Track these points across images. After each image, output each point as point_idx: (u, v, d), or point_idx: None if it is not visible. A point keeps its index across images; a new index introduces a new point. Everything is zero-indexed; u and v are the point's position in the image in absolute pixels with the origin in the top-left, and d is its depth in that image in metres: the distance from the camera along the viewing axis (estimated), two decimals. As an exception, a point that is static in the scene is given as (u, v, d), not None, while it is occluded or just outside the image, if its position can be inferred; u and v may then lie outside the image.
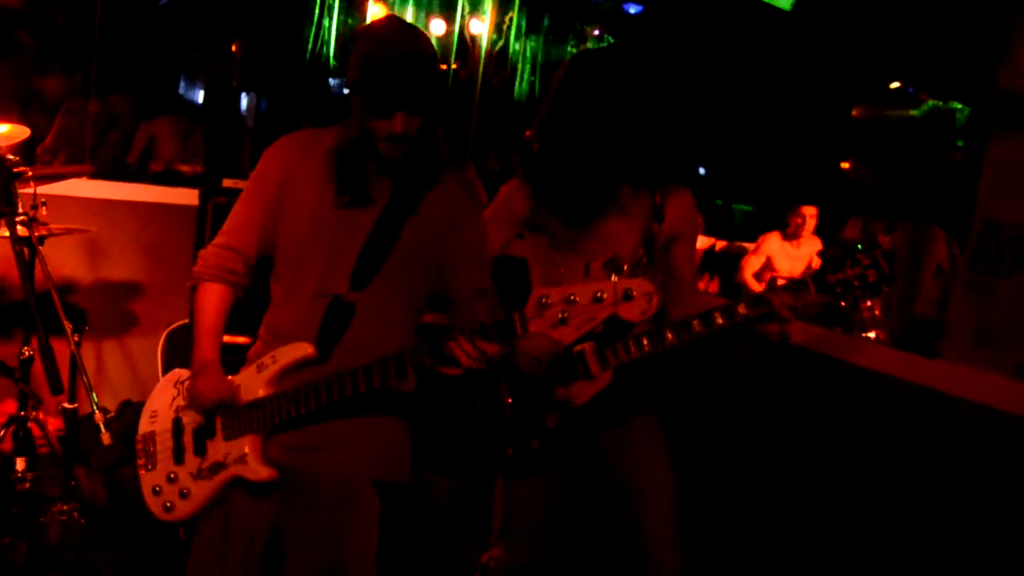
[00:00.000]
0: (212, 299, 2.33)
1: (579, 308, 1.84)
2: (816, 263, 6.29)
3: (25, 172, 3.32)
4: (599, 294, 1.83)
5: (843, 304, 2.34)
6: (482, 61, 6.88)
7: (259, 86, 7.90)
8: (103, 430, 3.10)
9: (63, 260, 4.52)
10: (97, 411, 3.14)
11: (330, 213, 2.25)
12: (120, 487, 4.00)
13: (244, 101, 8.43)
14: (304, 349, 2.21)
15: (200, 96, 8.38)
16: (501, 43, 7.01)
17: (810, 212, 6.31)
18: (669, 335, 2.37)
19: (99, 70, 5.59)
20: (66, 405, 3.58)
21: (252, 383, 2.26)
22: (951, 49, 6.33)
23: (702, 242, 7.06)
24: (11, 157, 3.46)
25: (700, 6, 6.92)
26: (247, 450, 2.23)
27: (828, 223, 6.78)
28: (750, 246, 6.77)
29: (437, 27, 7.97)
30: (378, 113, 2.14)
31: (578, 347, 2.47)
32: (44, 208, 3.49)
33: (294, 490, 2.27)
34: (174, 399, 2.40)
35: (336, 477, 2.25)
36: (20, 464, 3.51)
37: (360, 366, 2.11)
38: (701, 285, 6.82)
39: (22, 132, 3.65)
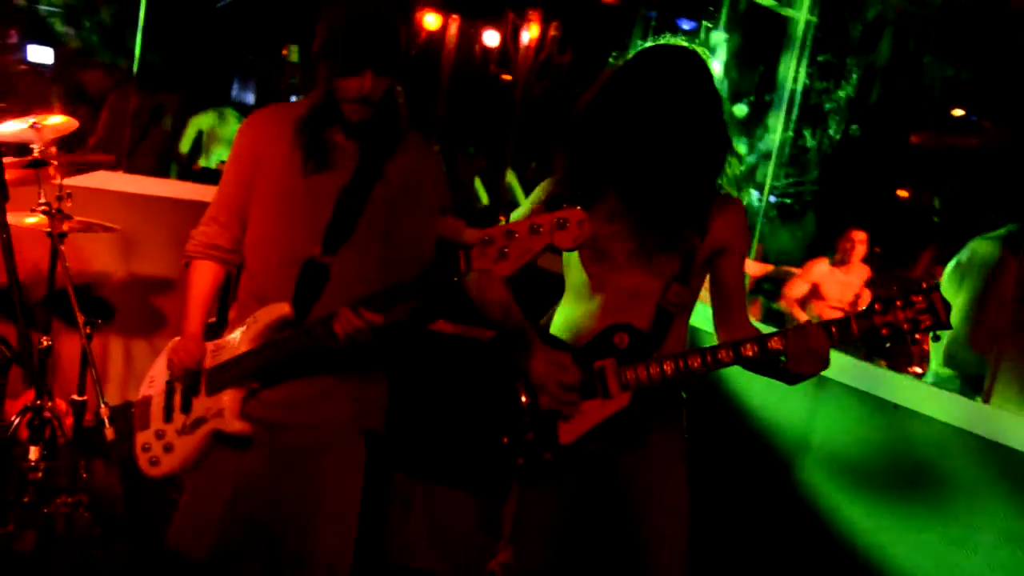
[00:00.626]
0: (200, 276, 2.45)
1: (518, 242, 1.92)
2: (865, 292, 6.09)
3: (50, 162, 3.36)
4: (536, 226, 1.91)
5: (889, 352, 2.17)
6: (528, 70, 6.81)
7: (308, 89, 7.94)
8: (107, 424, 3.10)
9: (95, 254, 4.55)
10: (103, 406, 3.14)
11: (299, 180, 2.32)
12: (137, 481, 4.01)
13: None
14: (282, 309, 2.30)
15: (252, 99, 8.47)
16: (545, 53, 6.95)
17: (859, 237, 6.12)
18: (695, 362, 2.28)
19: (153, 69, 5.65)
20: (75, 397, 3.57)
21: (236, 342, 2.37)
22: (1018, 76, 6.08)
23: (756, 268, 6.88)
24: (51, 149, 3.50)
25: (758, 24, 6.77)
26: (225, 403, 2.34)
27: (888, 252, 6.55)
28: (796, 271, 6.57)
29: (491, 38, 7.94)
30: (347, 71, 2.20)
31: (599, 363, 2.38)
32: (69, 200, 3.51)
33: (281, 443, 2.37)
34: (169, 355, 2.50)
35: (324, 424, 2.37)
36: (34, 453, 3.51)
37: (320, 317, 2.21)
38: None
39: (71, 125, 3.70)
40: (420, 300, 2.21)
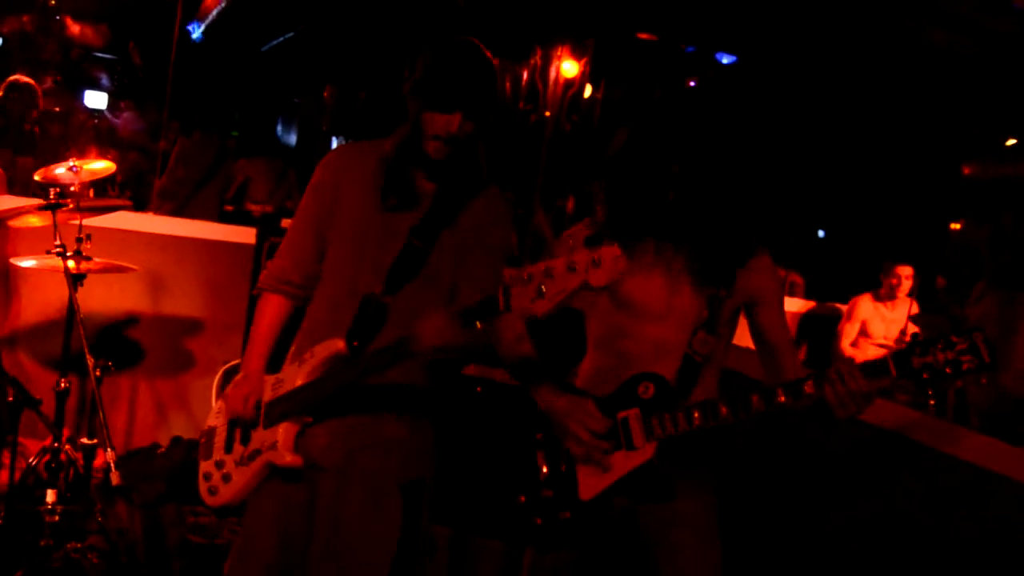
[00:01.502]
0: (268, 310, 2.46)
1: (556, 280, 1.89)
2: (910, 328, 5.87)
3: (67, 204, 3.38)
4: (572, 264, 1.88)
5: (931, 396, 2.05)
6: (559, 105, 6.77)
7: (349, 130, 8.07)
8: (112, 469, 3.06)
9: (124, 294, 4.58)
10: (109, 449, 3.10)
11: (374, 216, 2.34)
12: (158, 525, 3.98)
13: (335, 144, 8.61)
14: (336, 345, 2.29)
15: (294, 141, 8.60)
16: (574, 89, 6.92)
17: (906, 273, 5.92)
18: (724, 410, 2.19)
19: (202, 112, 5.75)
20: (84, 441, 3.56)
21: (293, 375, 2.36)
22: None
23: (799, 305, 6.70)
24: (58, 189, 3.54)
25: (797, 57, 6.64)
26: (279, 437, 2.32)
27: (934, 286, 6.33)
28: (842, 307, 6.38)
29: (570, 68, 7.87)
30: (437, 107, 2.22)
31: (623, 413, 2.32)
32: (89, 242, 3.53)
33: (325, 486, 2.33)
34: (227, 392, 2.49)
35: (360, 477, 2.32)
36: (51, 496, 3.50)
37: (371, 351, 2.21)
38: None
39: (109, 168, 3.79)
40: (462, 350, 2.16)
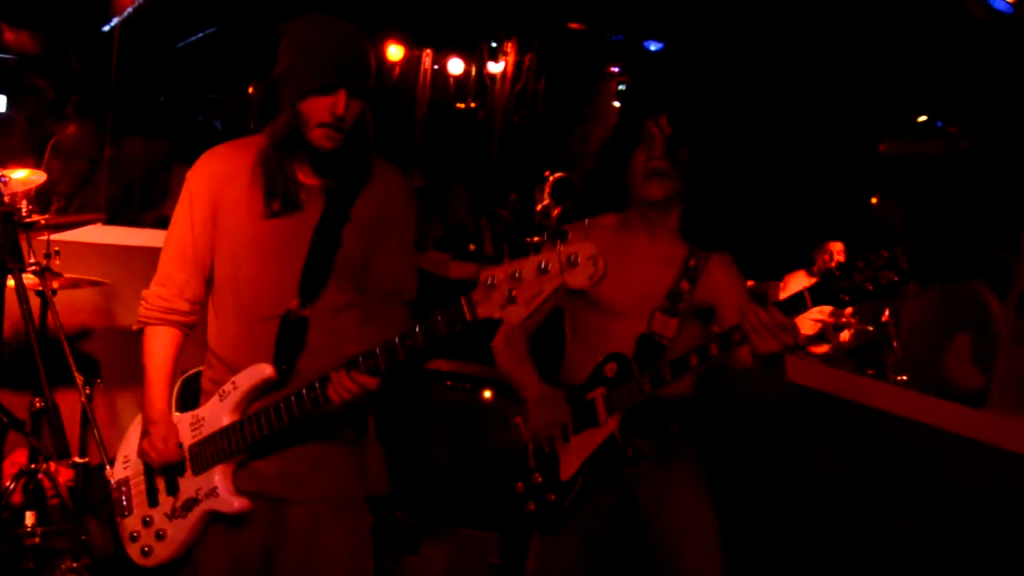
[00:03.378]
0: (160, 346, 2.23)
1: (526, 284, 1.76)
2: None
3: (38, 221, 3.29)
4: (544, 264, 1.75)
5: (856, 318, 2.12)
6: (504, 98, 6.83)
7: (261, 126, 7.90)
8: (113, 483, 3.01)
9: (78, 307, 4.45)
10: (108, 466, 3.05)
11: (264, 224, 2.13)
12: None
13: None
14: (264, 371, 2.12)
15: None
16: (521, 83, 6.98)
17: (837, 248, 6.17)
18: (667, 372, 2.31)
19: (116, 113, 5.58)
20: (77, 460, 3.48)
21: (216, 414, 2.17)
22: (981, 81, 6.23)
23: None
24: (25, 205, 3.43)
25: (720, 41, 6.86)
26: (217, 482, 2.16)
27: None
28: (776, 284, 6.64)
29: (455, 66, 7.96)
30: (317, 89, 2.01)
31: (591, 394, 2.43)
32: (58, 258, 3.44)
33: (282, 518, 2.19)
34: (140, 444, 2.30)
35: (328, 500, 2.20)
36: (30, 518, 3.43)
37: (315, 379, 2.04)
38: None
39: (39, 177, 3.62)
40: (421, 354, 2.00)
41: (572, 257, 1.74)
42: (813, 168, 7.41)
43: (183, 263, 2.20)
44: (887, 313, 4.91)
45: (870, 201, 7.58)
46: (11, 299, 3.47)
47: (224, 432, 2.15)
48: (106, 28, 6.74)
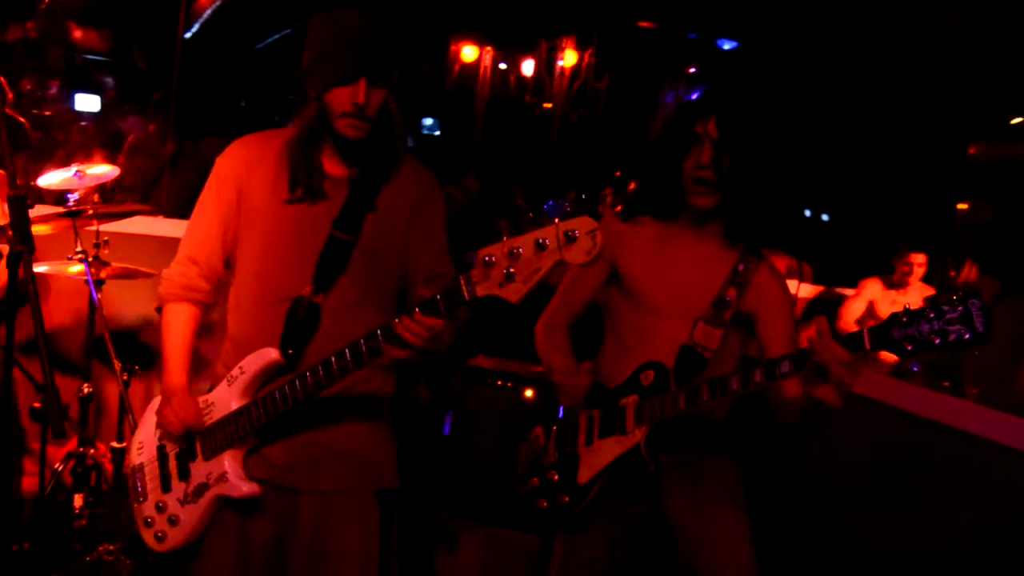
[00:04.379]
0: (179, 322, 2.26)
1: (524, 261, 1.75)
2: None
3: (86, 209, 3.38)
4: (542, 240, 1.73)
5: (919, 367, 1.93)
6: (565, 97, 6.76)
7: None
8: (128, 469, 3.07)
9: (137, 299, 4.56)
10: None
11: (286, 211, 2.16)
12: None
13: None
14: (269, 355, 2.13)
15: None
16: (580, 81, 6.89)
17: (919, 260, 5.90)
18: (705, 394, 2.17)
19: (194, 113, 5.73)
20: (115, 444, 3.57)
21: (225, 398, 2.18)
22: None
23: (806, 291, 6.70)
24: (79, 194, 3.55)
25: (800, 40, 6.63)
26: (227, 467, 2.17)
27: (943, 266, 6.33)
28: (849, 292, 6.38)
29: (527, 67, 7.93)
30: (340, 80, 2.05)
31: (624, 400, 2.34)
32: (106, 247, 3.53)
33: (293, 508, 2.20)
34: (157, 427, 2.32)
35: (338, 491, 2.20)
36: (78, 500, 3.52)
37: (320, 361, 2.03)
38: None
39: (113, 172, 3.76)
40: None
41: (571, 232, 1.71)
42: (898, 172, 7.11)
43: (205, 245, 2.24)
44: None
45: (956, 208, 7.21)
46: (79, 289, 3.65)
47: (232, 416, 2.16)
48: (188, 35, 6.97)
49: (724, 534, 2.38)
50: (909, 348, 1.83)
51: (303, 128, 2.12)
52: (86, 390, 3.57)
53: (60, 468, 3.58)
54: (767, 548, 2.47)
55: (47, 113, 5.83)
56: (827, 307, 6.40)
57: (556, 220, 1.73)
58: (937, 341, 1.80)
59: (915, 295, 5.96)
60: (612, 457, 2.33)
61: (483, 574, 3.68)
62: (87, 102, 7.02)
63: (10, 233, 2.02)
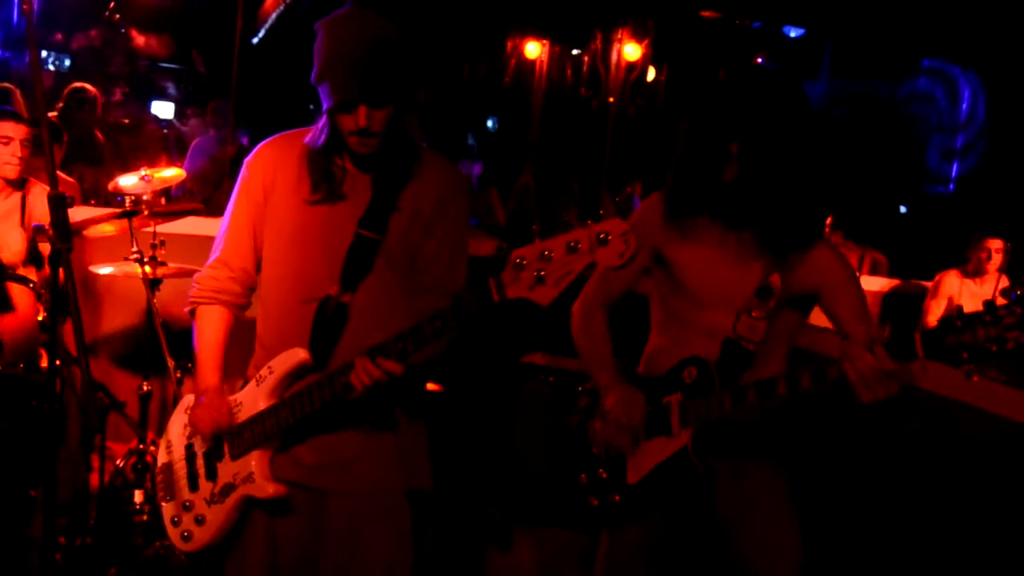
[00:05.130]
0: (211, 324, 2.26)
1: (555, 263, 1.75)
2: (1001, 302, 5.60)
3: (141, 210, 3.46)
4: (573, 243, 1.74)
5: (975, 378, 1.80)
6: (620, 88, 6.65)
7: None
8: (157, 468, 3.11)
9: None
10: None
11: (311, 211, 2.16)
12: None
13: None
14: (298, 355, 2.11)
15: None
16: (636, 72, 6.77)
17: (996, 246, 5.64)
18: (751, 396, 2.09)
19: (257, 116, 5.82)
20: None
21: (253, 398, 2.17)
22: None
23: (882, 284, 6.48)
24: (137, 195, 3.63)
25: (868, 26, 6.40)
26: (253, 467, 2.16)
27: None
28: (927, 284, 6.14)
29: (583, 60, 7.83)
30: (340, 107, 2.03)
31: (667, 398, 2.27)
32: (163, 248, 3.61)
33: (323, 510, 2.17)
34: (185, 426, 2.32)
35: (368, 493, 2.17)
36: (138, 496, 3.59)
37: (338, 367, 2.02)
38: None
39: (180, 176, 3.86)
40: (452, 335, 1.98)
41: (602, 235, 1.71)
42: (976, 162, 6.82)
43: (237, 247, 2.24)
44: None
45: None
46: (137, 289, 3.74)
47: (260, 416, 2.15)
48: (255, 40, 7.10)
49: (773, 532, 2.31)
50: (965, 356, 1.73)
51: (319, 138, 2.12)
52: (146, 388, 3.65)
53: (122, 464, 3.66)
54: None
55: (125, 121, 6.01)
56: (905, 300, 6.17)
57: (588, 222, 1.73)
58: (995, 348, 1.69)
59: (992, 284, 5.72)
60: (660, 458, 2.27)
61: (536, 574, 3.65)
62: (162, 109, 7.24)
63: (50, 232, 2.06)
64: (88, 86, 5.56)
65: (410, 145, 2.14)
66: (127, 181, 3.70)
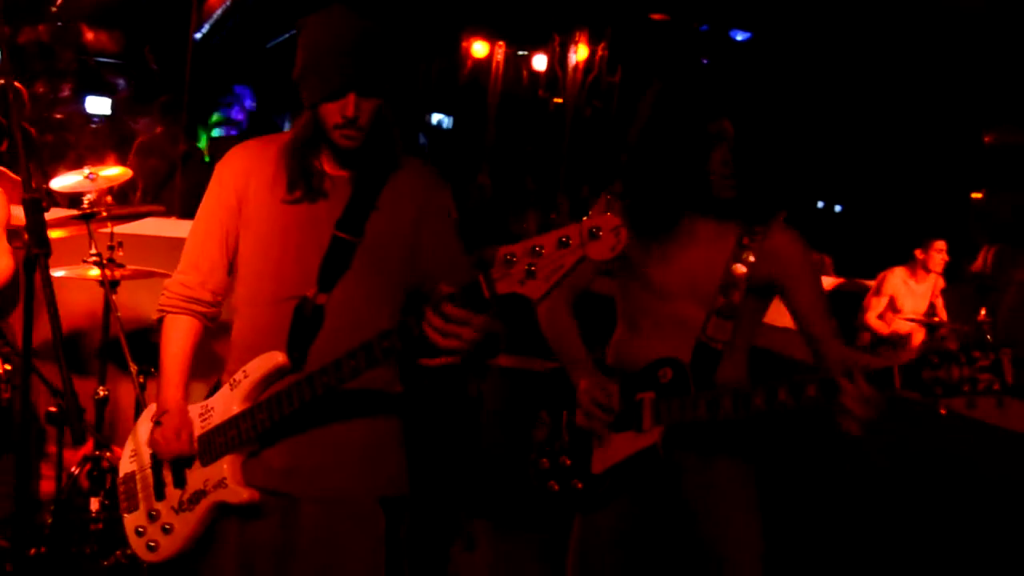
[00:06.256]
0: (179, 335, 2.20)
1: (546, 258, 1.75)
2: (939, 301, 5.84)
3: (100, 212, 3.37)
4: (564, 238, 1.74)
5: (943, 412, 1.92)
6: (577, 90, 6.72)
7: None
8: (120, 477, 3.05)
9: (151, 299, 4.55)
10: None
11: (288, 212, 2.13)
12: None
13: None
14: (275, 359, 2.07)
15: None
16: (593, 74, 6.84)
17: (940, 247, 5.88)
18: (728, 404, 2.15)
19: (196, 112, 5.71)
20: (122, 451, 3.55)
21: (226, 402, 2.12)
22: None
23: (827, 283, 6.67)
24: (91, 197, 3.53)
25: (814, 30, 6.57)
26: (226, 473, 2.11)
27: (959, 256, 6.31)
28: (870, 283, 6.34)
29: (539, 62, 7.89)
30: (328, 96, 2.00)
31: (641, 395, 2.31)
32: (121, 249, 3.52)
33: (295, 516, 2.13)
34: (151, 434, 2.26)
35: (341, 499, 2.14)
36: (94, 504, 3.50)
37: (329, 362, 1.99)
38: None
39: (126, 174, 3.74)
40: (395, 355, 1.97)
41: (594, 229, 1.72)
42: (914, 162, 7.04)
43: (208, 253, 2.19)
44: (983, 312, 4.62)
45: (971, 197, 7.16)
46: (92, 291, 3.64)
47: (233, 420, 2.10)
48: (198, 35, 6.96)
49: (735, 511, 2.38)
50: (939, 392, 1.83)
51: (300, 134, 2.10)
52: (102, 393, 3.56)
53: (77, 472, 3.57)
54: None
55: (58, 116, 5.83)
56: (849, 298, 6.37)
57: (583, 219, 1.75)
58: (967, 388, 1.80)
59: (929, 283, 5.95)
60: (628, 452, 2.32)
61: (498, 573, 3.67)
62: (98, 104, 7.05)
63: (26, 236, 2.00)
64: (16, 83, 5.40)
65: (391, 145, 2.14)
66: (70, 180, 3.56)
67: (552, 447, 2.46)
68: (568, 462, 2.42)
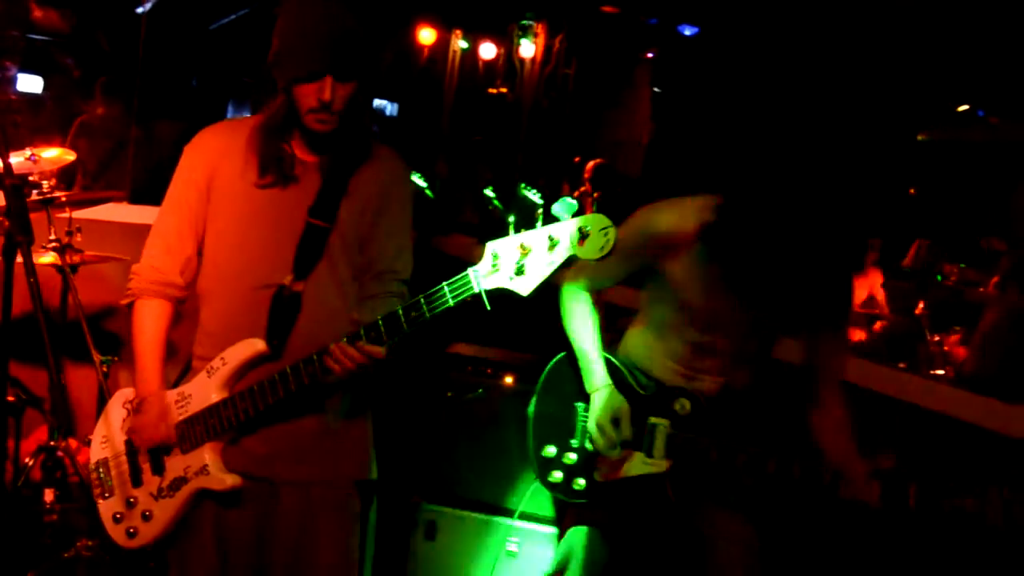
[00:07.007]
0: (152, 319, 2.19)
1: (535, 255, 1.78)
2: (880, 294, 6.05)
3: (59, 197, 3.28)
4: (554, 236, 1.77)
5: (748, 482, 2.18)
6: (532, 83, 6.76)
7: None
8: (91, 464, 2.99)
9: (102, 285, 4.45)
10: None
11: (258, 195, 2.13)
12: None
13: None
14: (255, 346, 2.08)
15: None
16: (551, 66, 6.89)
17: (874, 244, 6.06)
18: (741, 459, 2.26)
19: (146, 95, 5.58)
20: (91, 437, 3.47)
21: (204, 389, 2.12)
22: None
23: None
24: (52, 182, 3.43)
25: (758, 27, 6.71)
26: (207, 460, 2.11)
27: (895, 252, 6.53)
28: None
29: (487, 51, 7.89)
30: (306, 77, 2.01)
31: (656, 419, 2.35)
32: (79, 234, 3.43)
33: (273, 500, 2.16)
34: (124, 420, 2.25)
35: (320, 483, 2.17)
36: (49, 495, 3.42)
37: (309, 355, 2.01)
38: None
39: (68, 156, 3.62)
40: (427, 328, 1.98)
41: (584, 228, 1.74)
42: (849, 160, 7.24)
43: (179, 235, 2.18)
44: (921, 305, 4.81)
45: (907, 192, 7.42)
46: (47, 277, 3.53)
47: (214, 408, 2.11)
48: (140, 10, 6.76)
49: (727, 528, 2.40)
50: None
51: (272, 118, 2.09)
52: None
53: (31, 463, 3.48)
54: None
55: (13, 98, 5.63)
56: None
57: (573, 217, 1.77)
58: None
59: (871, 278, 6.14)
60: (635, 473, 2.36)
61: (460, 559, 3.69)
62: (29, 83, 6.80)
63: (6, 223, 1.96)
64: None
65: (363, 131, 2.16)
66: (12, 161, 3.42)
67: (564, 440, 2.48)
68: (574, 458, 2.45)
